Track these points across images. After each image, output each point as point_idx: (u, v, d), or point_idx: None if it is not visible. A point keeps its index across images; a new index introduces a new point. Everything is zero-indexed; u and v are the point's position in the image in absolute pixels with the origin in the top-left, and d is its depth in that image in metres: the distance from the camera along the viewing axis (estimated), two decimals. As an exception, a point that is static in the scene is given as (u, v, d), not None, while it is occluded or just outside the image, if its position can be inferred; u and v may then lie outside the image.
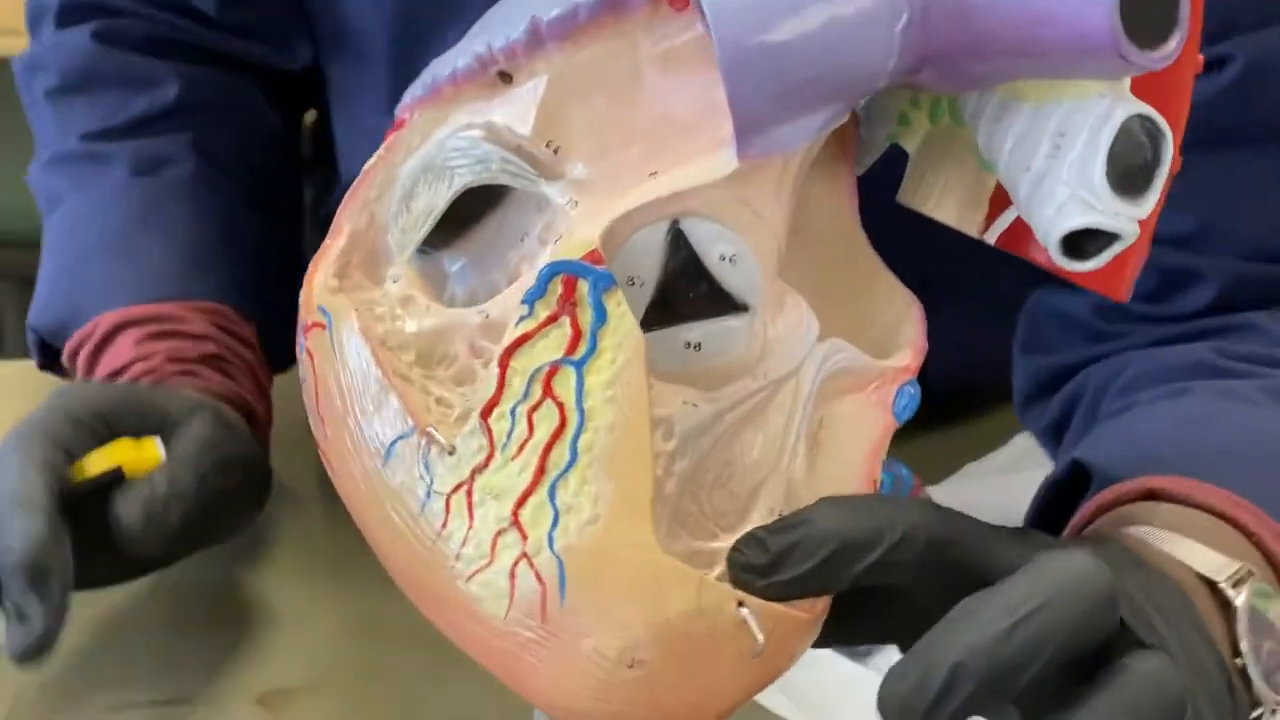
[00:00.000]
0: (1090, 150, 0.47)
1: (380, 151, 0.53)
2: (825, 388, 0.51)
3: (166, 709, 0.72)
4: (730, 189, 0.48)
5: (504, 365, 0.48)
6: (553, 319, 0.48)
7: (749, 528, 0.48)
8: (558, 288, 0.47)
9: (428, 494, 0.49)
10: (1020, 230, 0.52)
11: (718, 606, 0.47)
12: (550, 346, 0.48)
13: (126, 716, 0.72)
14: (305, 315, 0.52)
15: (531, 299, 0.48)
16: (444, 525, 0.49)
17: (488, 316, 0.49)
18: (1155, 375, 0.74)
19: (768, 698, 0.70)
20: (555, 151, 0.50)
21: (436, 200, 0.51)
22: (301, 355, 0.52)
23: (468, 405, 0.49)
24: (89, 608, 0.75)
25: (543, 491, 0.47)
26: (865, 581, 0.47)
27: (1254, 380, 0.72)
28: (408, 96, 0.53)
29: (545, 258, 0.48)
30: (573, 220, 0.49)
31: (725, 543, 0.48)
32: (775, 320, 0.50)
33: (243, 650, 0.77)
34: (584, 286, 0.47)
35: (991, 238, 0.53)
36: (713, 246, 0.49)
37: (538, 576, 0.47)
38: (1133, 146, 0.47)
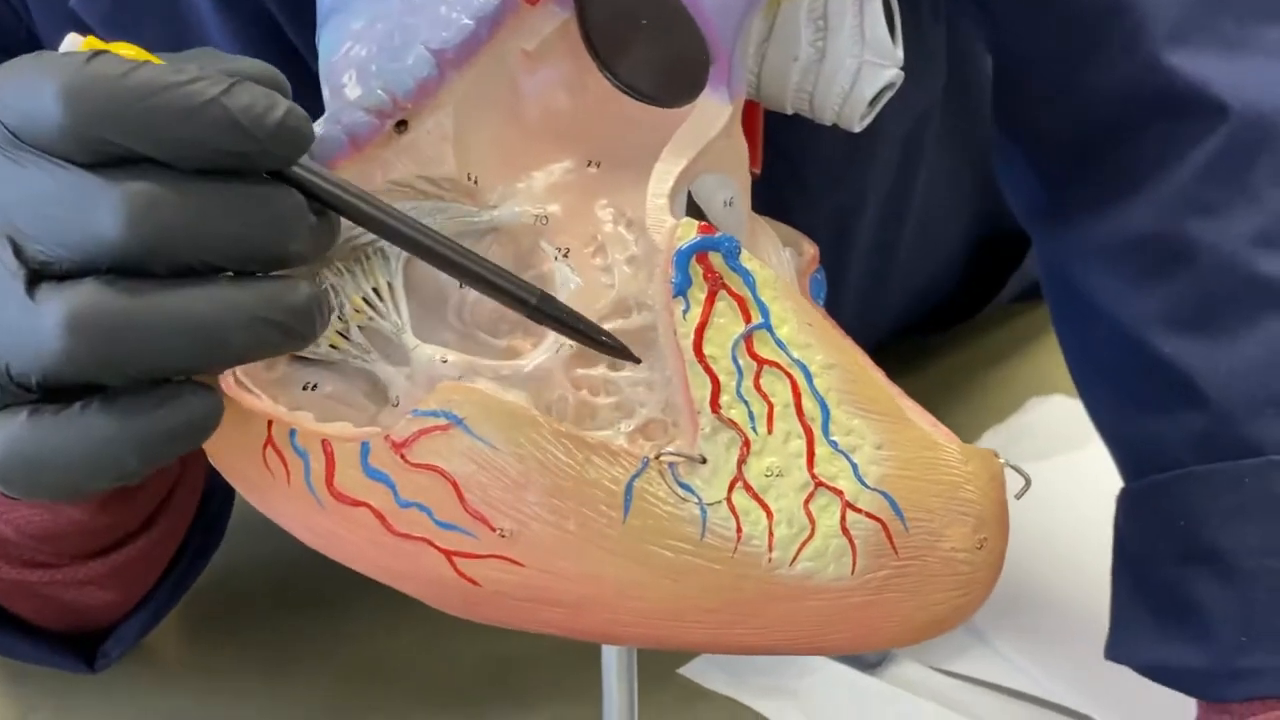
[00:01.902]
0: (870, 18, 0.52)
1: None
2: None
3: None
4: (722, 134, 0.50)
5: (702, 357, 0.47)
6: (711, 298, 0.47)
7: None
8: (697, 269, 0.47)
9: (703, 511, 0.46)
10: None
11: (997, 465, 0.50)
12: (729, 323, 0.47)
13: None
14: (403, 430, 0.46)
15: (682, 289, 0.47)
16: (739, 529, 0.46)
17: (570, 347, 0.48)
18: None
19: (777, 709, 0.68)
20: (475, 182, 0.49)
21: (381, 281, 0.49)
22: (407, 474, 0.46)
23: (627, 426, 0.47)
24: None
25: (823, 444, 0.47)
26: None
27: None
28: None
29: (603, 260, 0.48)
30: (558, 229, 0.49)
31: None
32: (754, 246, 0.51)
33: (234, 709, 0.72)
34: (718, 259, 0.48)
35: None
36: (715, 196, 0.50)
37: (871, 516, 0.47)
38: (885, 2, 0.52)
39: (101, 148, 0.41)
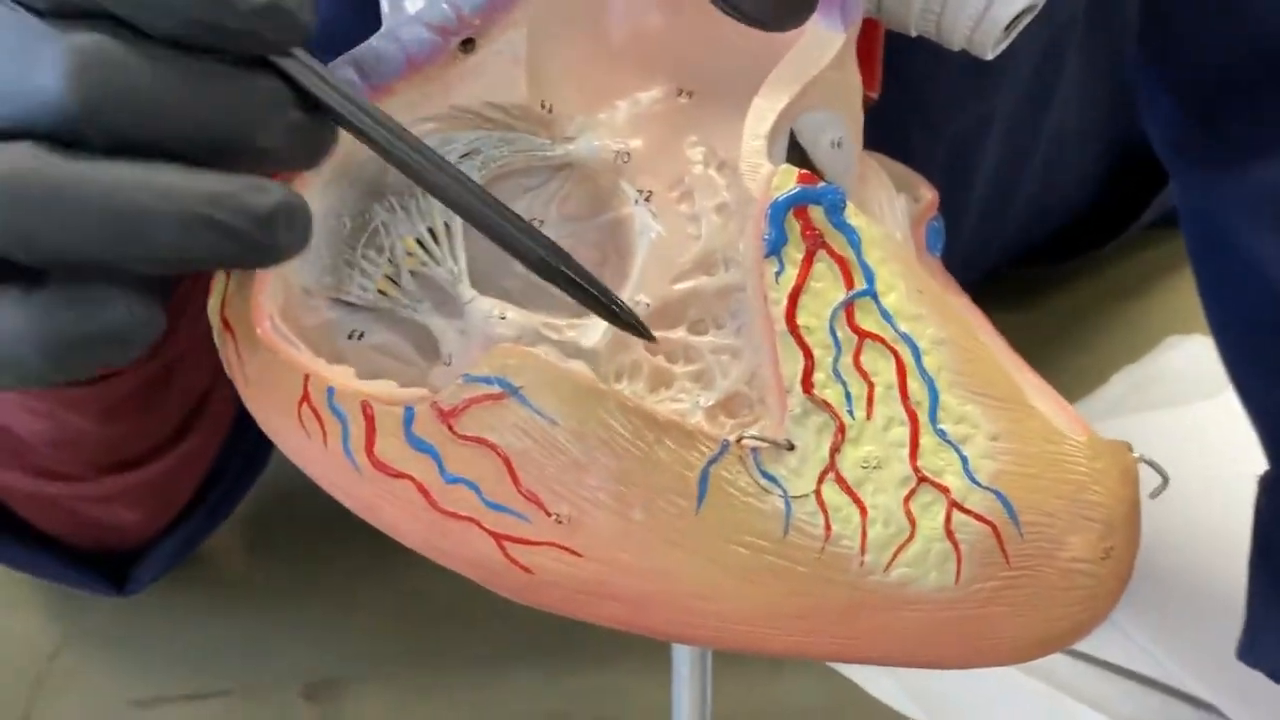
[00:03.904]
0: None
1: None
2: None
3: (202, 704, 0.67)
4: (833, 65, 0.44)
5: (795, 328, 0.41)
6: (809, 259, 0.41)
7: None
8: (794, 225, 0.41)
9: (787, 505, 0.40)
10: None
11: (1130, 460, 0.43)
12: (827, 288, 0.41)
13: (158, 713, 0.66)
14: (452, 398, 0.40)
15: (776, 246, 0.41)
16: (828, 527, 0.40)
17: (647, 306, 0.42)
18: None
19: (872, 679, 0.63)
20: (550, 111, 0.44)
21: (438, 220, 0.43)
22: (454, 447, 0.41)
23: (706, 399, 0.42)
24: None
25: (929, 433, 0.41)
26: None
27: None
28: None
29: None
30: (641, 167, 0.43)
31: None
32: (864, 193, 0.46)
33: (281, 637, 0.69)
34: (819, 214, 0.42)
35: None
36: (822, 136, 0.44)
37: (980, 518, 0.41)
38: None
39: None
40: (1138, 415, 0.79)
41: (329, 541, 0.71)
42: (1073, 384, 0.82)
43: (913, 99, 0.66)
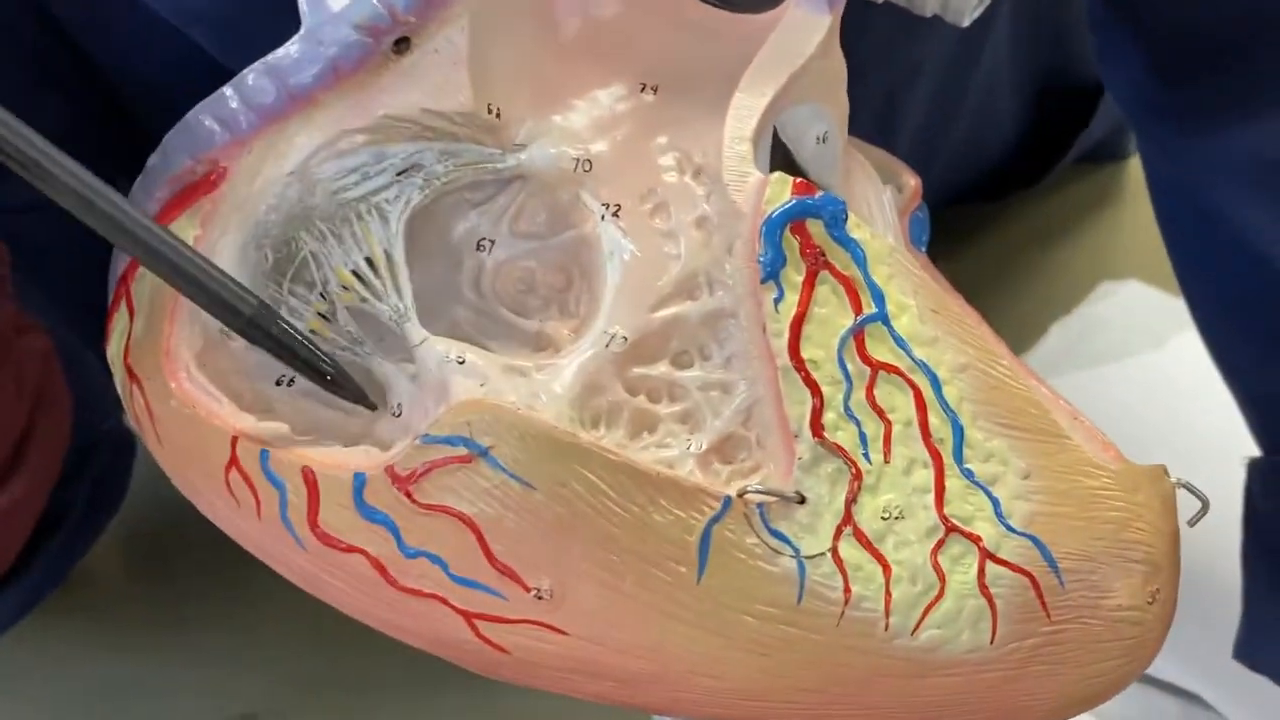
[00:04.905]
0: None
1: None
2: None
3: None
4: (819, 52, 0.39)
5: (800, 362, 0.36)
6: (811, 281, 0.36)
7: None
8: (793, 243, 0.36)
9: (800, 566, 0.35)
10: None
11: (1168, 487, 0.39)
12: (833, 314, 0.36)
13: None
14: (411, 462, 0.35)
15: (774, 269, 0.36)
16: (847, 589, 0.35)
17: (624, 339, 0.37)
18: None
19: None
20: (497, 116, 0.38)
21: (376, 249, 0.37)
22: (414, 516, 0.35)
23: (697, 444, 0.37)
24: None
25: (954, 474, 0.36)
26: None
27: None
28: (221, 128, 0.37)
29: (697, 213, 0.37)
30: (605, 176, 0.38)
31: None
32: (850, 191, 0.41)
33: (190, 671, 0.63)
34: (819, 228, 0.37)
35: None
36: (808, 132, 0.40)
37: (1017, 569, 0.36)
38: None
39: None
40: (1082, 372, 0.75)
41: (234, 556, 0.65)
42: (1008, 337, 0.78)
43: (844, 49, 0.61)
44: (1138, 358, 0.77)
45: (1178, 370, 0.74)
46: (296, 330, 0.36)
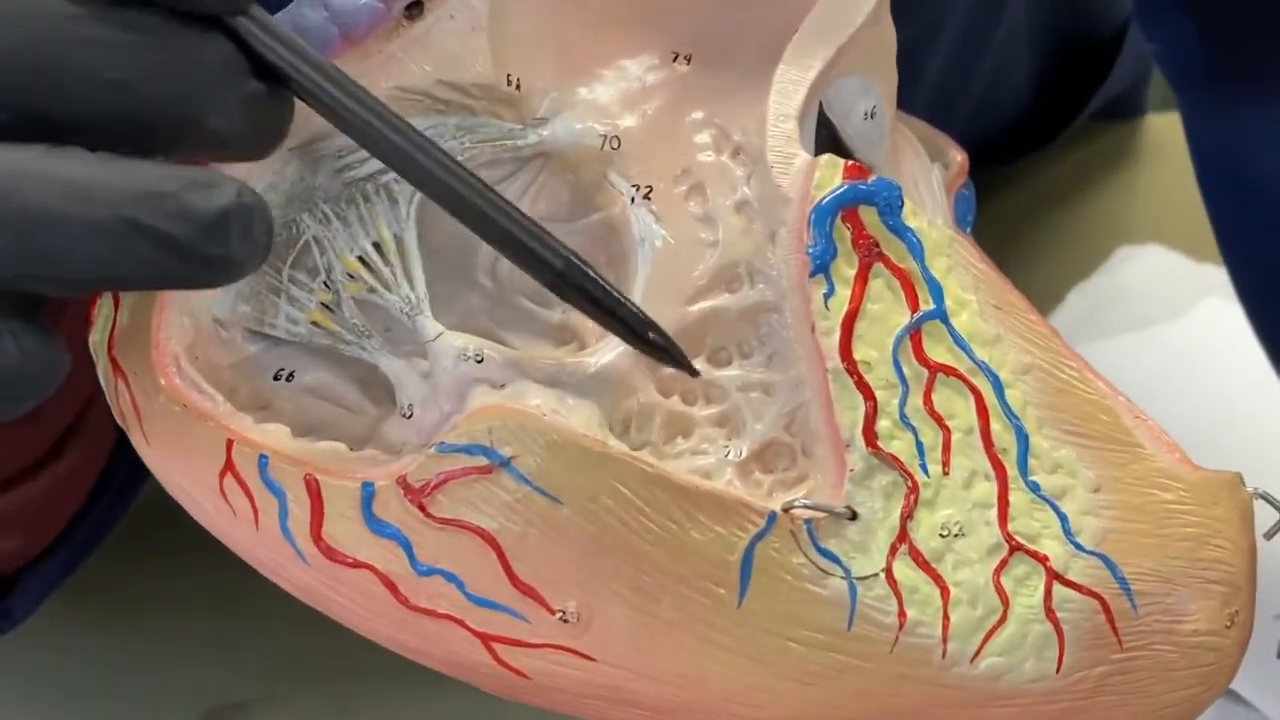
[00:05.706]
0: None
1: None
2: None
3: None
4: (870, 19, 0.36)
5: (852, 364, 0.33)
6: (864, 274, 0.33)
7: None
8: (844, 232, 0.33)
9: (851, 588, 0.32)
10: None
11: (1245, 498, 0.36)
12: (888, 311, 0.34)
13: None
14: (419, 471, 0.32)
15: (824, 261, 0.33)
16: (902, 613, 0.33)
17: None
18: None
19: None
20: (517, 87, 0.35)
21: (385, 233, 0.34)
22: (428, 531, 0.32)
23: (736, 451, 0.34)
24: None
25: (1019, 487, 0.33)
26: None
27: None
28: None
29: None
30: (634, 155, 0.35)
31: None
32: (899, 171, 0.38)
33: (173, 659, 0.62)
34: (872, 216, 0.34)
35: None
36: (855, 107, 0.37)
37: (1086, 591, 0.33)
38: None
39: None
40: (1105, 341, 0.73)
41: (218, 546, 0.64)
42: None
43: None
44: (1160, 325, 0.74)
45: (1202, 338, 0.71)
46: (611, 286, 0.32)
